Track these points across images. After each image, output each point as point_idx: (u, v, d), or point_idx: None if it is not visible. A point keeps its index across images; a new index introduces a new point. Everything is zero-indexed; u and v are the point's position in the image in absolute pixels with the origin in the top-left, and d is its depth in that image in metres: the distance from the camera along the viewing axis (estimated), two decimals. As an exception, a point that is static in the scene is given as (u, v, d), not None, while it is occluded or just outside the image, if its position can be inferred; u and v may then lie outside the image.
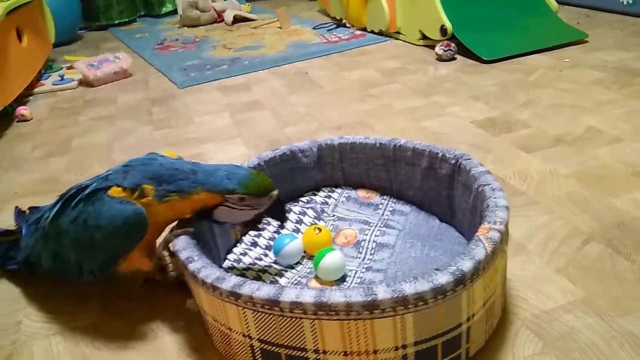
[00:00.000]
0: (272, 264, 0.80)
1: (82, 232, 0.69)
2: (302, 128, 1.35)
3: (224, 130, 1.39)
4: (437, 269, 0.54)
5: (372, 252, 0.79)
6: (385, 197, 0.93)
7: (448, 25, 1.76)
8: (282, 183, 0.92)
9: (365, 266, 0.77)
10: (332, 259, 0.73)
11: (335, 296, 0.52)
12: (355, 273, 0.75)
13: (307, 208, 0.91)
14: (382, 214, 0.89)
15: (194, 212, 0.70)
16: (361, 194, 0.95)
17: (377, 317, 0.52)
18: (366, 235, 0.83)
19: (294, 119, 1.41)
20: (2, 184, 1.21)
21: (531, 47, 1.74)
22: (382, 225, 0.85)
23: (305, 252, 0.81)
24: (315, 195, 0.95)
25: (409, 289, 0.52)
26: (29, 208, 0.90)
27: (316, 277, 0.75)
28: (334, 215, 0.90)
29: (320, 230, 0.80)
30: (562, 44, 1.76)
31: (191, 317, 0.72)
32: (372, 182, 0.95)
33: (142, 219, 0.67)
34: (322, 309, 0.52)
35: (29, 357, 0.70)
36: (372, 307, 0.51)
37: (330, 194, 0.95)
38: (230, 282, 0.57)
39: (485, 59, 1.69)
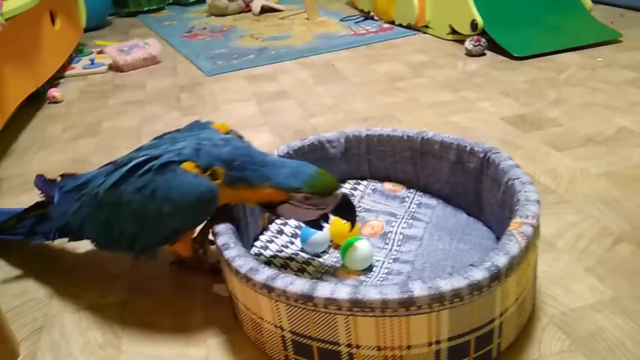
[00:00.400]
0: (299, 252, 0.80)
1: (148, 204, 0.66)
2: (328, 119, 1.35)
3: (251, 119, 1.40)
4: (472, 265, 0.54)
5: (399, 243, 0.79)
6: (411, 190, 0.93)
7: (479, 20, 1.74)
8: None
9: (392, 257, 0.76)
10: (359, 248, 0.73)
11: (371, 293, 0.52)
12: (382, 264, 0.75)
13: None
14: (409, 207, 0.89)
15: (258, 203, 0.70)
16: (387, 186, 0.95)
17: (412, 313, 0.52)
18: (393, 227, 0.83)
19: (320, 110, 1.41)
20: (34, 163, 1.24)
21: (563, 45, 1.71)
22: (408, 218, 0.85)
23: (331, 241, 0.81)
24: (341, 187, 0.95)
25: (445, 285, 0.51)
26: (61, 175, 0.86)
27: (343, 266, 0.76)
28: (360, 207, 0.90)
29: None
30: (595, 43, 1.73)
31: (218, 299, 0.74)
32: (399, 175, 0.95)
33: (215, 197, 0.65)
34: (357, 305, 0.52)
35: (59, 330, 0.72)
36: (408, 304, 0.51)
37: (356, 186, 0.95)
38: (263, 274, 0.57)
39: (515, 55, 1.66)
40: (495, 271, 0.53)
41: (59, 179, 0.85)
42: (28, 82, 1.49)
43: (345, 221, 0.72)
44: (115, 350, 0.67)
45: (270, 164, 0.68)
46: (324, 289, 0.53)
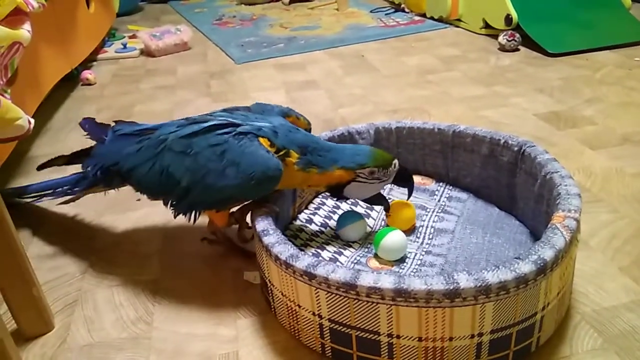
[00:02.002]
0: (330, 241, 0.80)
1: (215, 161, 0.67)
2: (357, 110, 1.35)
3: (280, 107, 1.40)
4: (517, 258, 0.53)
5: (431, 236, 0.79)
6: (440, 183, 0.93)
7: (514, 14, 1.71)
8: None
9: (425, 250, 0.76)
10: (393, 239, 0.72)
11: (416, 283, 0.51)
12: (415, 256, 0.75)
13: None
14: (439, 200, 0.88)
15: (327, 187, 0.73)
16: (417, 179, 0.94)
17: (457, 305, 0.51)
18: (424, 220, 0.83)
19: (349, 100, 1.41)
20: (69, 142, 1.27)
21: (599, 42, 1.67)
22: (439, 211, 0.85)
23: (367, 233, 0.81)
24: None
25: (491, 277, 0.51)
26: (116, 121, 0.85)
27: (375, 256, 0.75)
28: (390, 199, 0.90)
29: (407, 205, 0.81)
30: (633, 42, 1.68)
31: (249, 282, 0.75)
32: (428, 168, 0.94)
33: (278, 176, 0.67)
34: (401, 295, 0.52)
35: (92, 304, 0.74)
36: (453, 296, 0.51)
37: (385, 178, 0.95)
38: (304, 261, 0.57)
39: (550, 51, 1.63)
40: (542, 264, 0.52)
41: (112, 124, 0.85)
42: (63, 63, 1.51)
43: (405, 188, 0.77)
44: (147, 326, 0.69)
45: (334, 149, 0.72)
46: (367, 278, 0.53)
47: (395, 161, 0.73)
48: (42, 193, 0.93)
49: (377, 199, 0.77)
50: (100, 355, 0.65)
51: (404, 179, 0.76)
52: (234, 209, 0.77)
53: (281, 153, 0.68)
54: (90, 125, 0.87)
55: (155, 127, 0.77)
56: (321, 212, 0.87)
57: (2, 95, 0.98)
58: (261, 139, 0.68)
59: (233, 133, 0.68)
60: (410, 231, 0.80)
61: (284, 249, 0.60)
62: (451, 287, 0.50)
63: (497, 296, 0.51)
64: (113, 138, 0.81)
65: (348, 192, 0.73)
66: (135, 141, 0.76)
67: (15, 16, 1.08)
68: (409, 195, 0.77)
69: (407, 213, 0.80)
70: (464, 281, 0.51)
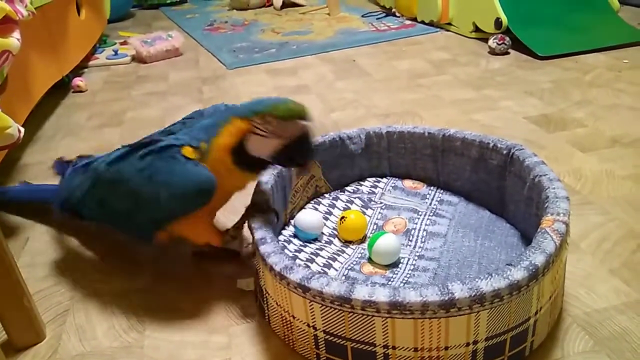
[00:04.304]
0: (324, 247, 0.80)
1: (146, 186, 0.67)
2: (349, 114, 1.35)
3: (272, 112, 1.40)
4: (509, 264, 0.54)
5: (423, 240, 0.79)
6: (432, 187, 0.93)
7: (503, 18, 1.72)
8: (330, 169, 0.93)
9: (417, 254, 0.76)
10: (386, 242, 0.73)
11: (411, 295, 0.51)
12: (408, 260, 0.75)
13: (354, 197, 0.92)
14: (430, 204, 0.88)
15: (234, 152, 0.65)
16: (408, 184, 0.94)
17: (452, 315, 0.51)
18: (416, 224, 0.83)
19: (340, 105, 1.41)
20: (60, 149, 1.26)
21: (589, 45, 1.69)
22: (431, 214, 0.85)
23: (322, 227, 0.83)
24: (361, 185, 0.95)
25: (485, 286, 0.51)
26: (78, 156, 0.88)
27: (369, 261, 0.76)
28: (381, 204, 0.90)
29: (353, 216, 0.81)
30: (622, 44, 1.70)
31: (242, 290, 0.74)
32: (419, 172, 0.94)
33: (212, 187, 0.66)
34: (397, 308, 0.52)
35: (84, 313, 0.73)
36: (449, 306, 0.51)
37: (376, 183, 0.95)
38: (298, 273, 0.57)
39: (540, 54, 1.64)
40: (534, 270, 0.53)
41: (74, 159, 0.89)
42: (54, 70, 1.51)
43: (298, 160, 0.67)
44: (139, 335, 0.68)
45: (243, 104, 0.66)
46: (362, 291, 0.53)
47: (303, 122, 0.62)
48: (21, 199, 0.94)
49: (287, 162, 0.67)
50: (93, 364, 0.65)
51: (301, 147, 0.64)
52: (229, 227, 0.77)
53: (203, 149, 0.66)
54: (58, 165, 0.93)
55: (99, 157, 0.79)
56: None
57: (-8, 104, 0.97)
58: (184, 150, 0.66)
59: (156, 151, 0.67)
60: (400, 233, 0.81)
61: (279, 259, 0.60)
62: (446, 298, 0.51)
63: (492, 304, 0.52)
64: (70, 172, 0.83)
65: (250, 148, 0.65)
66: (81, 172, 0.79)
67: (4, 24, 1.07)
68: (301, 171, 0.68)
69: (357, 223, 0.80)
70: (459, 291, 0.51)
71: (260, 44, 2.10)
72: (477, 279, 0.52)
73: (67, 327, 0.71)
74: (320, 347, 0.59)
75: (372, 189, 0.94)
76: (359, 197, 0.92)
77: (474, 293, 0.51)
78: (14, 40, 1.07)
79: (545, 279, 0.55)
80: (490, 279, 0.52)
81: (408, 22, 2.25)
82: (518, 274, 0.52)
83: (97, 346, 0.67)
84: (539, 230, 0.58)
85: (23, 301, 0.66)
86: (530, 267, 0.53)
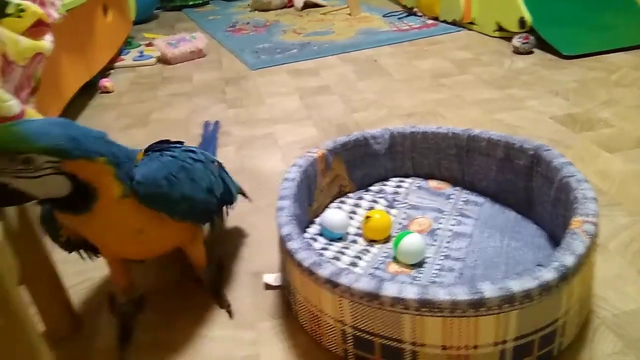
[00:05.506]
0: (349, 246, 0.80)
1: None
2: (371, 114, 1.35)
3: (294, 112, 1.41)
4: (539, 265, 0.54)
5: (449, 240, 0.79)
6: (456, 188, 0.93)
7: (527, 17, 1.71)
8: (354, 169, 0.93)
9: (443, 254, 0.76)
10: (412, 242, 0.73)
11: (440, 294, 0.52)
12: (434, 260, 0.75)
13: (379, 197, 0.92)
14: (456, 204, 0.89)
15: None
16: (432, 184, 0.95)
17: (482, 314, 0.52)
18: (441, 223, 0.83)
19: (362, 105, 1.42)
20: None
21: (614, 44, 1.66)
22: (456, 214, 0.85)
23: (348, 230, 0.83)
24: (385, 185, 0.96)
25: (515, 286, 0.51)
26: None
27: (395, 260, 0.76)
28: (406, 203, 0.90)
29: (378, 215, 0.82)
30: (649, 44, 1.67)
31: (268, 285, 0.76)
32: (443, 172, 0.94)
33: None
34: (426, 305, 0.52)
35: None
36: (478, 306, 0.51)
37: (400, 183, 0.96)
38: (327, 269, 0.58)
39: (565, 54, 1.62)
40: (564, 271, 0.53)
41: None
42: (83, 72, 1.55)
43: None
44: (169, 329, 0.70)
45: None
46: (391, 288, 0.54)
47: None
48: None
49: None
50: (125, 356, 0.67)
51: None
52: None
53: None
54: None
55: None
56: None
57: (27, 105, 1.01)
58: None
59: None
60: (425, 233, 0.81)
61: (307, 255, 0.61)
62: (476, 297, 0.51)
63: (521, 304, 0.52)
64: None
65: None
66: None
67: (37, 27, 1.11)
68: None
69: (383, 223, 0.81)
70: (489, 291, 0.51)
71: (281, 45, 2.12)
72: (506, 279, 0.52)
73: (102, 320, 0.73)
74: (349, 342, 0.60)
75: (397, 189, 0.94)
76: (383, 197, 0.92)
77: (504, 293, 0.51)
78: (47, 42, 1.10)
79: (575, 280, 0.55)
80: (520, 279, 0.52)
81: (430, 21, 2.24)
82: (548, 274, 0.52)
83: (133, 338, 0.69)
84: (568, 231, 0.58)
85: (60, 294, 0.68)
86: (561, 268, 0.53)
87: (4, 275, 0.40)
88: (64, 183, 0.53)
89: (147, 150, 0.64)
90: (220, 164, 0.79)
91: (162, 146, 0.66)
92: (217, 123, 1.03)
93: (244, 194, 0.91)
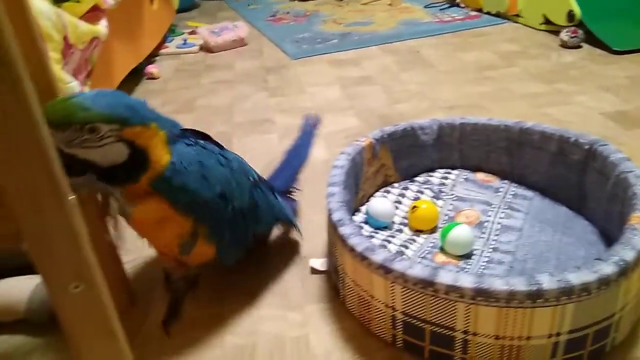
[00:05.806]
0: (395, 234, 0.81)
1: None
2: (414, 106, 1.35)
3: (336, 102, 1.42)
4: (598, 259, 0.53)
5: (497, 233, 0.79)
6: (505, 181, 0.92)
7: (577, 10, 1.66)
8: (400, 159, 0.93)
9: (492, 246, 0.76)
10: (461, 233, 0.73)
11: (497, 284, 0.52)
12: (482, 252, 0.75)
13: (425, 188, 0.92)
14: (504, 197, 0.88)
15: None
16: (480, 176, 0.94)
17: (538, 306, 0.52)
18: (489, 216, 0.83)
19: (405, 96, 1.41)
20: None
21: (668, 39, 1.60)
22: (505, 208, 0.84)
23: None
24: (431, 176, 0.95)
25: (574, 279, 0.51)
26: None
27: (442, 250, 0.76)
28: (453, 195, 0.90)
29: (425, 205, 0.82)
30: None
31: (314, 269, 0.77)
32: (491, 165, 0.94)
33: None
34: (481, 294, 0.52)
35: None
36: (535, 297, 0.51)
37: (446, 175, 0.95)
38: (380, 255, 0.59)
39: (615, 49, 1.58)
40: (624, 265, 0.52)
41: None
42: (131, 57, 1.59)
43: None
44: (220, 307, 0.72)
45: None
46: (446, 276, 0.54)
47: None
48: None
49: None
50: (180, 329, 0.69)
51: None
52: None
53: None
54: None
55: None
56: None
57: (84, 87, 1.04)
58: None
59: None
60: (473, 225, 0.81)
61: (360, 240, 0.61)
62: (534, 289, 0.51)
63: (579, 297, 0.52)
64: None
65: None
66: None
67: (94, 12, 1.14)
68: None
69: (429, 213, 0.81)
70: (547, 282, 0.51)
71: (322, 35, 2.12)
72: (565, 272, 0.52)
73: (155, 296, 0.76)
74: (398, 328, 0.60)
75: (443, 180, 0.94)
76: (429, 188, 0.92)
77: (562, 285, 0.51)
78: (102, 27, 1.13)
79: (634, 275, 0.54)
80: (579, 272, 0.52)
81: (473, 13, 2.21)
82: (608, 268, 0.52)
83: (182, 314, 0.72)
84: (627, 226, 0.58)
85: (119, 268, 0.71)
86: (620, 263, 0.52)
87: (83, 241, 0.42)
88: (123, 150, 0.56)
89: (184, 131, 0.64)
90: (263, 186, 0.73)
91: (197, 136, 0.66)
92: (315, 120, 0.94)
93: (291, 224, 0.82)
